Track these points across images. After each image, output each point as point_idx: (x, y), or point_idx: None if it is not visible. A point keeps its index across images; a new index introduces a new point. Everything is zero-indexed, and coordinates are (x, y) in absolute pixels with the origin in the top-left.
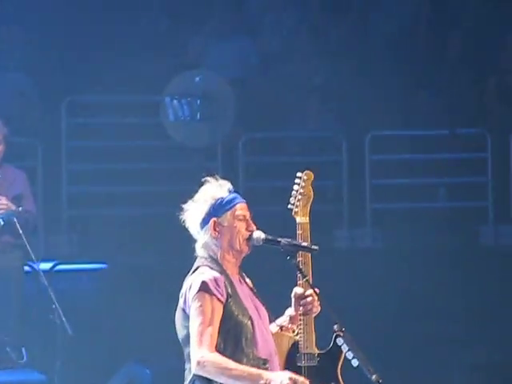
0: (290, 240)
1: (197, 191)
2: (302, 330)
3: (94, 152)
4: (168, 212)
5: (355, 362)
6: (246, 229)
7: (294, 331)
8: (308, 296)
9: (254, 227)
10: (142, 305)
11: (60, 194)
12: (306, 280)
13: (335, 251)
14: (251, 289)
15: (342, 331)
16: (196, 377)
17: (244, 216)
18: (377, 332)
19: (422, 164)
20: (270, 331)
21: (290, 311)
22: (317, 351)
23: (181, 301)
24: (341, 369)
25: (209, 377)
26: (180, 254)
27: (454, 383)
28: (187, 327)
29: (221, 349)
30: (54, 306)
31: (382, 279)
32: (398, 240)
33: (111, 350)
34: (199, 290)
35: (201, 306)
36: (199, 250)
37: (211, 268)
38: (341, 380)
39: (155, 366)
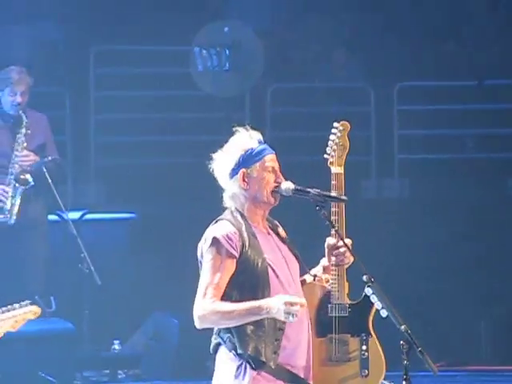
0: (319, 190)
1: (225, 141)
2: (334, 281)
3: (121, 101)
4: (195, 162)
5: (384, 313)
6: (275, 180)
7: (327, 281)
8: (340, 247)
9: (283, 178)
10: (170, 254)
11: (88, 143)
12: (336, 231)
13: (363, 201)
14: (283, 240)
15: (372, 282)
16: None
17: (273, 167)
18: (404, 282)
19: (449, 115)
20: (298, 282)
21: (324, 261)
22: (348, 302)
23: (198, 253)
24: (372, 320)
25: (213, 326)
26: (208, 203)
27: (481, 334)
28: None
29: (237, 301)
30: (82, 256)
31: (409, 229)
32: (425, 190)
33: (139, 300)
34: (210, 245)
35: (210, 260)
36: (227, 201)
37: (230, 221)
38: (372, 331)
39: (183, 316)
